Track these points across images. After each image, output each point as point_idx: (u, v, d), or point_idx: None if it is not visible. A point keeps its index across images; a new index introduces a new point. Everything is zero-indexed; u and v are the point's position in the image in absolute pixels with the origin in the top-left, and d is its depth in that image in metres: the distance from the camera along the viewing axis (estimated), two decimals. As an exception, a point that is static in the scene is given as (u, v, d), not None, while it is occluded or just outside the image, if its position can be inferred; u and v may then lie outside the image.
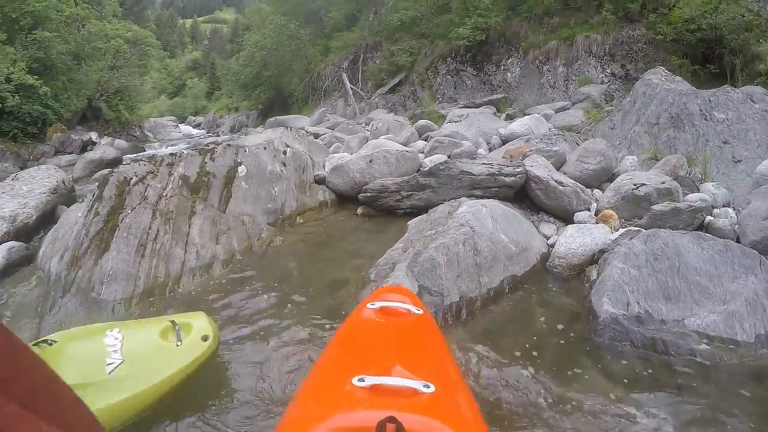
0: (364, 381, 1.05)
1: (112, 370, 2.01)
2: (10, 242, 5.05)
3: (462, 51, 12.56)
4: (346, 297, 3.17)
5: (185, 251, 3.77)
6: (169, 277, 3.58)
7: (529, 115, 7.84)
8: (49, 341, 2.06)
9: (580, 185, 4.47)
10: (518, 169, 4.46)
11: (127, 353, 2.08)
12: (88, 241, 3.60)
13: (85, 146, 17.04)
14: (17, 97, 12.28)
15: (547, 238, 4.01)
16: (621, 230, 3.76)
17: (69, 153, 16.64)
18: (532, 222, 4.20)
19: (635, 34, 10.05)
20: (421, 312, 1.56)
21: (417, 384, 1.04)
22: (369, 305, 1.58)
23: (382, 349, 1.32)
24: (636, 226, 3.87)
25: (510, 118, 8.57)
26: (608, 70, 10.09)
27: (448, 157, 5.80)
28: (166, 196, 4.01)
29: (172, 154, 4.53)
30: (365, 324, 1.47)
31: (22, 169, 12.68)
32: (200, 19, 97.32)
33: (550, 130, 6.86)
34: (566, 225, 4.13)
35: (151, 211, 3.84)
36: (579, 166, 4.82)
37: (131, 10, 52.55)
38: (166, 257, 3.65)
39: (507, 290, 3.22)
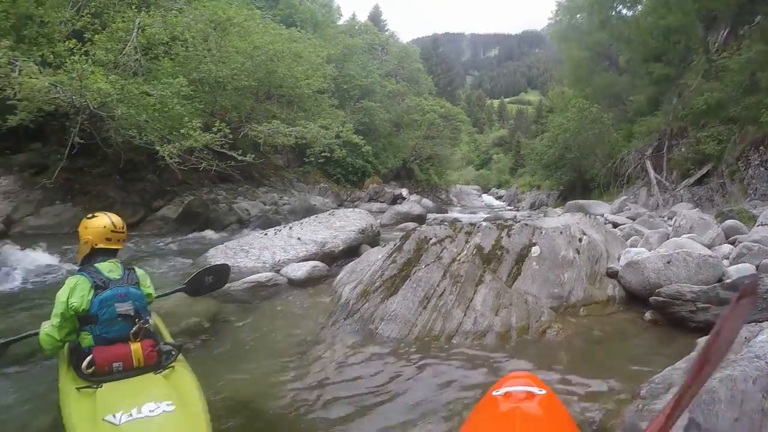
0: None
1: None
2: (316, 261, 6.04)
3: (776, 138, 10.05)
4: (607, 409, 2.68)
5: (464, 314, 3.81)
6: (443, 333, 3.69)
7: None
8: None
9: None
10: (835, 291, 3.47)
11: None
12: (381, 282, 4.02)
13: (395, 199, 19.79)
14: (344, 151, 14.98)
15: None
16: None
17: (380, 202, 19.56)
18: None
19: None
20: (544, 392, 1.65)
21: None
22: (494, 392, 1.72)
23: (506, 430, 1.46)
24: None
25: (835, 220, 6.87)
26: None
27: (757, 267, 5.05)
28: (459, 260, 4.21)
29: (471, 224, 4.82)
30: (491, 410, 1.62)
31: (339, 206, 15.44)
32: (506, 100, 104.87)
33: None
34: None
35: (443, 271, 4.07)
36: None
37: (444, 89, 60.14)
38: (446, 315, 3.78)
39: (795, 449, 2.37)
